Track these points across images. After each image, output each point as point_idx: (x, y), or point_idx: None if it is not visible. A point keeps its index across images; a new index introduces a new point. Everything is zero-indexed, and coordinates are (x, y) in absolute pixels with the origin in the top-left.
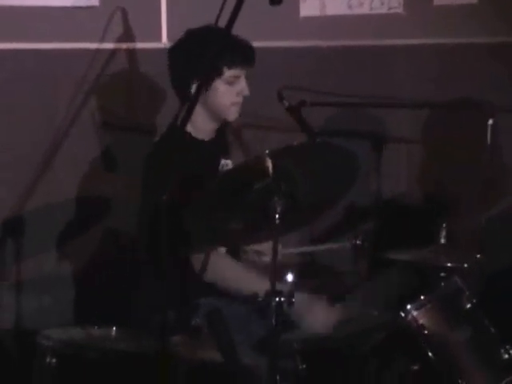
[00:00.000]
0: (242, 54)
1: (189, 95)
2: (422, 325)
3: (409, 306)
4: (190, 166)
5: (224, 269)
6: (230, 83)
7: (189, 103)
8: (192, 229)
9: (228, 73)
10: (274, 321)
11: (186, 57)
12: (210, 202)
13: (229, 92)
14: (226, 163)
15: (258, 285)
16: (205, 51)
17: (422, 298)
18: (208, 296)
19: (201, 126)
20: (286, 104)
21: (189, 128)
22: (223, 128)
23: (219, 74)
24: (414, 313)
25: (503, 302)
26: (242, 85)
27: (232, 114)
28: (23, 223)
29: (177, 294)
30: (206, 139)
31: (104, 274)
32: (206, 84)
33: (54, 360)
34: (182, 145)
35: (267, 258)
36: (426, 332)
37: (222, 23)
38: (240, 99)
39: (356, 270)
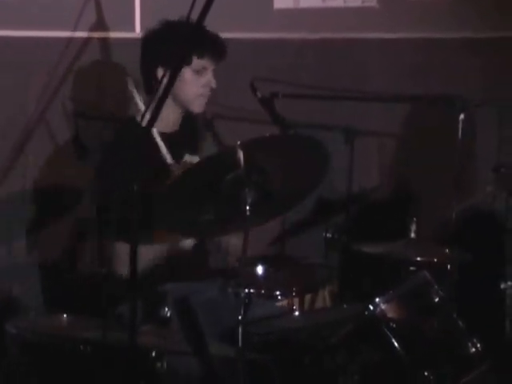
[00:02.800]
0: (213, 47)
1: (155, 86)
2: (390, 318)
3: (377, 299)
4: (148, 158)
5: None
6: (198, 73)
7: (158, 97)
8: (163, 220)
9: (196, 62)
10: (242, 312)
11: (157, 45)
12: (181, 194)
13: (195, 82)
14: (191, 159)
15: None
16: (176, 41)
17: (390, 291)
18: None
19: (164, 117)
20: (259, 95)
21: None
22: (191, 122)
23: (188, 62)
24: (383, 306)
25: (471, 296)
26: (209, 77)
27: (197, 106)
28: None
29: (144, 282)
30: (168, 132)
31: (74, 262)
32: (174, 72)
33: (21, 348)
34: (139, 137)
35: None
36: (394, 325)
37: (196, 14)
38: (206, 91)
39: (326, 262)
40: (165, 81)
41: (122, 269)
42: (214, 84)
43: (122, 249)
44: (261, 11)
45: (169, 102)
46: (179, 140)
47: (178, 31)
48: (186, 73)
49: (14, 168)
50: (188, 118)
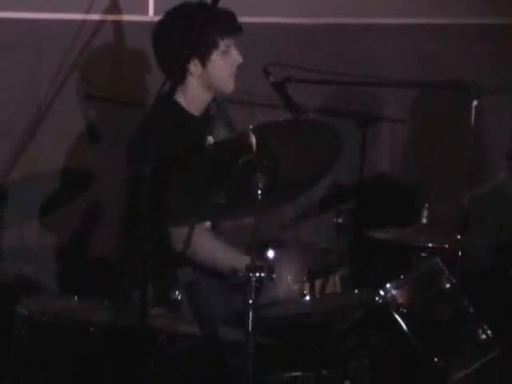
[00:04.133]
0: (231, 23)
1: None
2: (400, 304)
3: (388, 285)
4: (180, 140)
5: (204, 244)
6: (225, 53)
7: (178, 74)
8: (175, 203)
9: (222, 43)
10: (252, 296)
11: (176, 30)
12: (193, 177)
13: (225, 63)
14: (210, 139)
15: (237, 261)
16: (193, 25)
17: (401, 277)
18: (186, 267)
19: (195, 100)
20: (272, 80)
21: (181, 101)
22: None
23: (215, 45)
24: (394, 292)
25: (482, 284)
26: (234, 53)
27: (230, 86)
28: (6, 193)
29: (156, 266)
30: (197, 114)
31: (86, 245)
32: (203, 58)
33: (32, 330)
34: (173, 118)
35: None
36: (404, 311)
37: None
38: (235, 69)
39: (337, 247)
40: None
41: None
42: (240, 58)
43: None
44: None
45: (200, 85)
46: (204, 123)
47: (193, 16)
48: (216, 57)
49: (27, 150)
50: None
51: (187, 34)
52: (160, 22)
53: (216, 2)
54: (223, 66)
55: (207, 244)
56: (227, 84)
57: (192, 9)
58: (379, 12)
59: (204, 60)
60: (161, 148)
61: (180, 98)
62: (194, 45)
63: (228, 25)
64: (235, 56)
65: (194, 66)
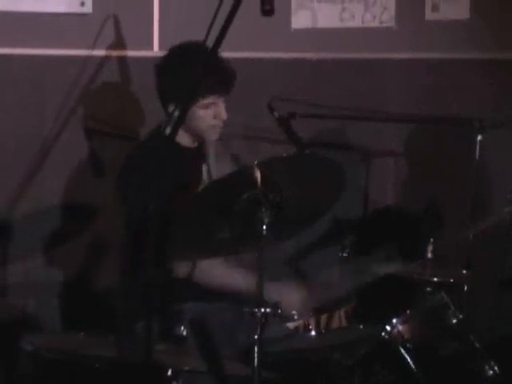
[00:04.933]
0: (218, 82)
1: (168, 115)
2: (407, 339)
3: (394, 320)
4: (175, 171)
5: (210, 266)
6: (207, 107)
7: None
8: (179, 238)
9: (203, 100)
10: (258, 331)
11: (166, 82)
12: (197, 211)
13: (206, 116)
14: (205, 169)
15: (244, 281)
16: (183, 78)
17: (407, 312)
18: (191, 301)
19: (182, 139)
20: (276, 115)
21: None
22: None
23: (194, 102)
24: (400, 327)
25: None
26: (219, 109)
27: (211, 136)
28: (11, 227)
29: (160, 301)
30: (192, 146)
31: (91, 280)
32: (183, 111)
33: (37, 366)
34: (165, 149)
35: None
36: (410, 346)
37: (215, 33)
38: (219, 122)
39: (342, 281)
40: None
41: None
42: (224, 116)
43: None
44: (278, 31)
45: (184, 130)
46: (199, 153)
47: (184, 65)
48: (195, 110)
49: (32, 185)
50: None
51: (188, 73)
52: (155, 67)
53: (217, 48)
54: (202, 118)
55: (214, 266)
56: (207, 134)
57: (195, 50)
58: (383, 47)
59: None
60: (157, 181)
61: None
62: (176, 94)
63: (213, 84)
64: (219, 111)
65: (173, 110)
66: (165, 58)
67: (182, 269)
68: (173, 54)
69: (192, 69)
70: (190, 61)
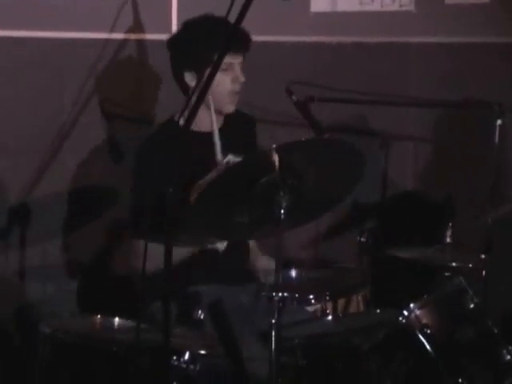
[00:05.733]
0: (234, 41)
1: (185, 89)
2: (424, 324)
3: (412, 305)
4: (184, 157)
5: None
6: (224, 70)
7: (193, 99)
8: (197, 222)
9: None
10: (275, 316)
11: (179, 51)
12: (216, 196)
13: (223, 80)
14: (230, 158)
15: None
16: (197, 43)
17: (425, 296)
18: (209, 284)
19: (200, 117)
20: (295, 99)
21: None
22: (237, 121)
23: (210, 61)
24: (417, 312)
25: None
26: (236, 72)
27: (228, 105)
28: (29, 211)
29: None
30: (206, 131)
31: (109, 263)
32: (201, 75)
33: (54, 349)
34: (176, 136)
35: None
36: (428, 331)
37: (233, 17)
38: (236, 87)
39: (360, 266)
40: (199, 85)
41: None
42: (242, 78)
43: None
44: (298, 15)
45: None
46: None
47: (199, 34)
48: None
49: (50, 169)
50: (235, 118)
51: (189, 52)
52: (167, 41)
53: (240, 20)
54: (220, 82)
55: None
56: (225, 102)
57: (196, 27)
58: (402, 31)
59: (200, 72)
60: (169, 167)
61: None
62: (192, 62)
63: (228, 42)
64: (236, 74)
65: (191, 79)
66: (179, 30)
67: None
68: (188, 25)
69: (208, 33)
70: (206, 30)
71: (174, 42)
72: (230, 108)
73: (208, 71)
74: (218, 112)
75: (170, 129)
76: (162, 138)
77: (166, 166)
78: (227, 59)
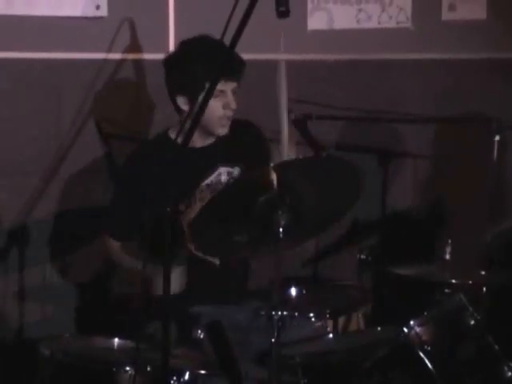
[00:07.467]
0: (226, 68)
1: (178, 111)
2: (424, 341)
3: (412, 322)
4: (170, 172)
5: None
6: (216, 97)
7: (191, 120)
8: (196, 240)
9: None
10: (275, 334)
11: (173, 74)
12: (215, 215)
13: (215, 106)
14: (225, 171)
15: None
16: (191, 68)
17: (425, 314)
18: (207, 304)
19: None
20: (293, 117)
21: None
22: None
23: (202, 88)
24: (417, 329)
25: (508, 319)
26: (228, 98)
27: (220, 128)
28: (28, 232)
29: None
30: (200, 146)
31: (108, 283)
32: (192, 96)
33: (54, 369)
34: (164, 150)
35: None
36: (428, 348)
37: (230, 35)
38: (228, 113)
39: (360, 284)
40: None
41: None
42: (233, 105)
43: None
44: (295, 32)
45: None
46: (210, 155)
47: (192, 57)
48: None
49: (49, 189)
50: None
51: (198, 64)
52: (163, 62)
53: (237, 39)
54: (212, 108)
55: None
56: (217, 127)
57: (206, 45)
58: (399, 48)
59: (193, 98)
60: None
61: (173, 134)
62: (184, 86)
63: (226, 67)
64: (228, 100)
65: (183, 103)
66: (175, 51)
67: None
68: (183, 46)
69: (202, 59)
70: (200, 52)
71: (169, 62)
72: (222, 131)
73: (201, 98)
74: (210, 133)
75: (162, 142)
76: (151, 149)
77: (152, 176)
78: (220, 86)
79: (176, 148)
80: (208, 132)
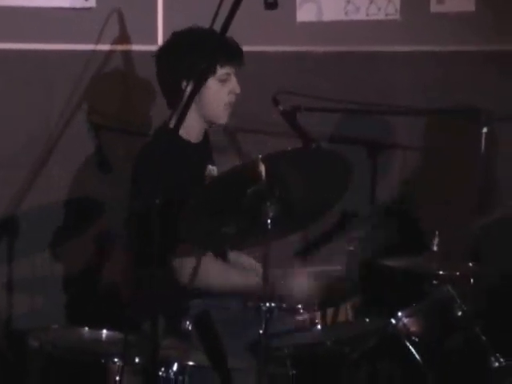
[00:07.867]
0: (233, 52)
1: (180, 97)
2: (412, 332)
3: (400, 314)
4: (180, 168)
5: (210, 269)
6: (222, 81)
7: (183, 105)
8: (185, 233)
9: (220, 70)
10: (263, 326)
11: (175, 59)
12: (202, 206)
13: (221, 91)
14: (212, 169)
15: (246, 279)
16: (193, 52)
17: (413, 305)
18: (197, 298)
19: (191, 128)
20: (281, 109)
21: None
22: (207, 133)
23: (213, 71)
24: (405, 320)
25: (495, 311)
26: (233, 83)
27: (223, 116)
28: (17, 223)
29: (167, 297)
30: (195, 141)
31: (97, 275)
32: (200, 83)
33: (43, 361)
34: (172, 146)
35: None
36: (416, 339)
37: (218, 26)
38: (232, 98)
39: (349, 276)
40: (188, 89)
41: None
42: (238, 89)
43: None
44: (283, 24)
45: (194, 114)
46: (202, 151)
47: (193, 44)
48: (212, 83)
49: (38, 181)
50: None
51: (185, 62)
52: (159, 53)
53: (225, 30)
54: (218, 92)
55: (213, 268)
56: (220, 114)
57: (198, 34)
58: (388, 40)
59: (199, 85)
60: (164, 178)
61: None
62: (189, 72)
63: (229, 53)
64: (233, 85)
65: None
66: (166, 43)
67: (185, 269)
68: (174, 37)
69: (198, 45)
70: (194, 39)
71: (169, 50)
72: (223, 120)
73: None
74: (209, 123)
75: (164, 136)
76: (157, 146)
77: (158, 176)
78: (226, 70)
79: (180, 143)
80: (209, 122)
